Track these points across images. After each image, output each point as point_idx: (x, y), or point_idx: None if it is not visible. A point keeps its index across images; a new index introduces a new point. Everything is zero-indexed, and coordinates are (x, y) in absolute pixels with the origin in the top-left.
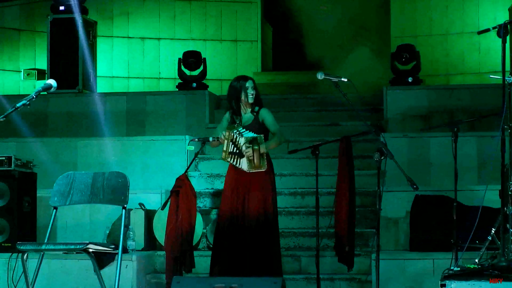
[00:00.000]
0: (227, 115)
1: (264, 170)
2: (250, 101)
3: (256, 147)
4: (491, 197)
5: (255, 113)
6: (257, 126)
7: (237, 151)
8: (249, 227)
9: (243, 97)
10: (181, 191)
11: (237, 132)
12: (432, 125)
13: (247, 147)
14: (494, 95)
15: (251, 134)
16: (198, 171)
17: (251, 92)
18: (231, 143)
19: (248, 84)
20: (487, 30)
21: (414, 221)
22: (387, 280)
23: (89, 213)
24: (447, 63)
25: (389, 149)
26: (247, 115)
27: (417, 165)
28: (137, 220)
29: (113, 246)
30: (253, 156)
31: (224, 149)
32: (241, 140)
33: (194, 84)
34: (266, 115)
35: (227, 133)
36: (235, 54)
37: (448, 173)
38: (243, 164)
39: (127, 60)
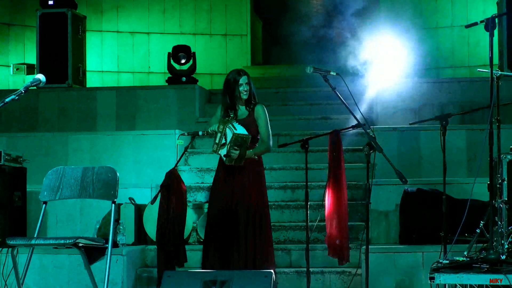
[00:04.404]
0: (221, 108)
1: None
2: (243, 97)
3: (242, 152)
4: (480, 190)
5: (249, 109)
6: (251, 122)
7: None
8: (239, 221)
9: (236, 93)
10: (171, 185)
11: (231, 126)
12: (422, 119)
13: (234, 149)
14: (484, 89)
15: (242, 130)
16: (188, 165)
17: (244, 88)
18: (223, 136)
19: (242, 80)
20: (475, 24)
21: (403, 214)
22: (378, 273)
23: (80, 208)
24: (437, 56)
25: (379, 142)
26: (242, 110)
27: (408, 158)
28: (128, 214)
29: (103, 241)
30: (237, 157)
31: (216, 141)
32: (229, 136)
33: (184, 79)
34: (260, 114)
35: (221, 126)
36: (225, 48)
37: (438, 166)
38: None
39: (117, 54)
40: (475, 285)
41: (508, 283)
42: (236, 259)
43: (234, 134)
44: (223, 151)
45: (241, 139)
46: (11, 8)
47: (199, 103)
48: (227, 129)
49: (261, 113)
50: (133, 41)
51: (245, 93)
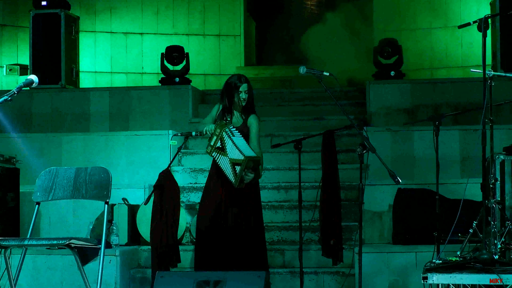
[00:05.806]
0: (218, 108)
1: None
2: (241, 104)
3: (256, 175)
4: (473, 190)
5: (244, 117)
6: (245, 130)
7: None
8: (232, 222)
9: (235, 99)
10: (165, 186)
11: (229, 131)
12: (416, 119)
13: (249, 174)
14: (477, 89)
15: (240, 138)
16: (182, 165)
17: (243, 96)
18: (219, 140)
19: (242, 88)
20: (468, 24)
21: (396, 214)
22: (371, 274)
23: (73, 209)
24: (431, 57)
25: (373, 143)
26: (237, 116)
27: (401, 159)
28: (121, 215)
29: (96, 241)
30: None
31: (212, 143)
32: (227, 142)
33: (177, 79)
34: (253, 124)
35: (218, 130)
36: (218, 49)
37: (431, 167)
38: (230, 177)
39: (111, 55)
40: (468, 285)
41: (501, 284)
42: (228, 259)
43: (246, 157)
44: (222, 160)
45: (253, 163)
46: (4, 9)
47: (192, 104)
48: (223, 134)
49: (254, 123)
50: (126, 42)
51: (243, 101)
